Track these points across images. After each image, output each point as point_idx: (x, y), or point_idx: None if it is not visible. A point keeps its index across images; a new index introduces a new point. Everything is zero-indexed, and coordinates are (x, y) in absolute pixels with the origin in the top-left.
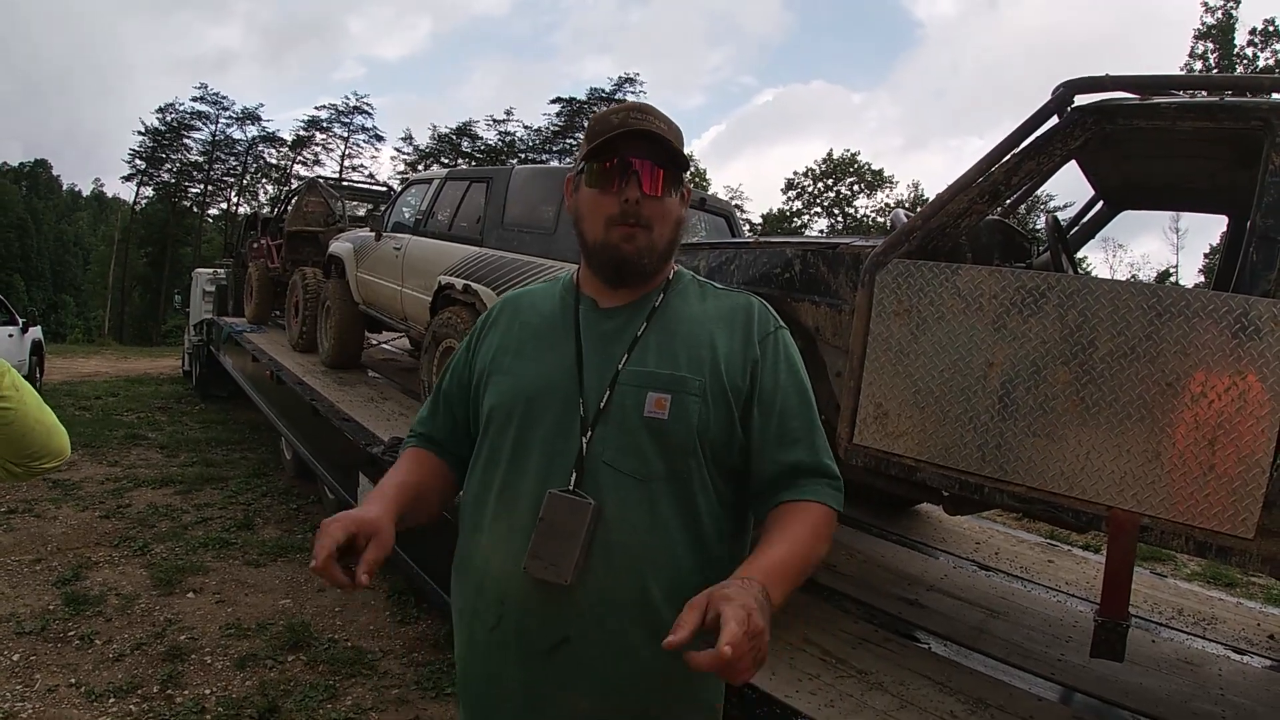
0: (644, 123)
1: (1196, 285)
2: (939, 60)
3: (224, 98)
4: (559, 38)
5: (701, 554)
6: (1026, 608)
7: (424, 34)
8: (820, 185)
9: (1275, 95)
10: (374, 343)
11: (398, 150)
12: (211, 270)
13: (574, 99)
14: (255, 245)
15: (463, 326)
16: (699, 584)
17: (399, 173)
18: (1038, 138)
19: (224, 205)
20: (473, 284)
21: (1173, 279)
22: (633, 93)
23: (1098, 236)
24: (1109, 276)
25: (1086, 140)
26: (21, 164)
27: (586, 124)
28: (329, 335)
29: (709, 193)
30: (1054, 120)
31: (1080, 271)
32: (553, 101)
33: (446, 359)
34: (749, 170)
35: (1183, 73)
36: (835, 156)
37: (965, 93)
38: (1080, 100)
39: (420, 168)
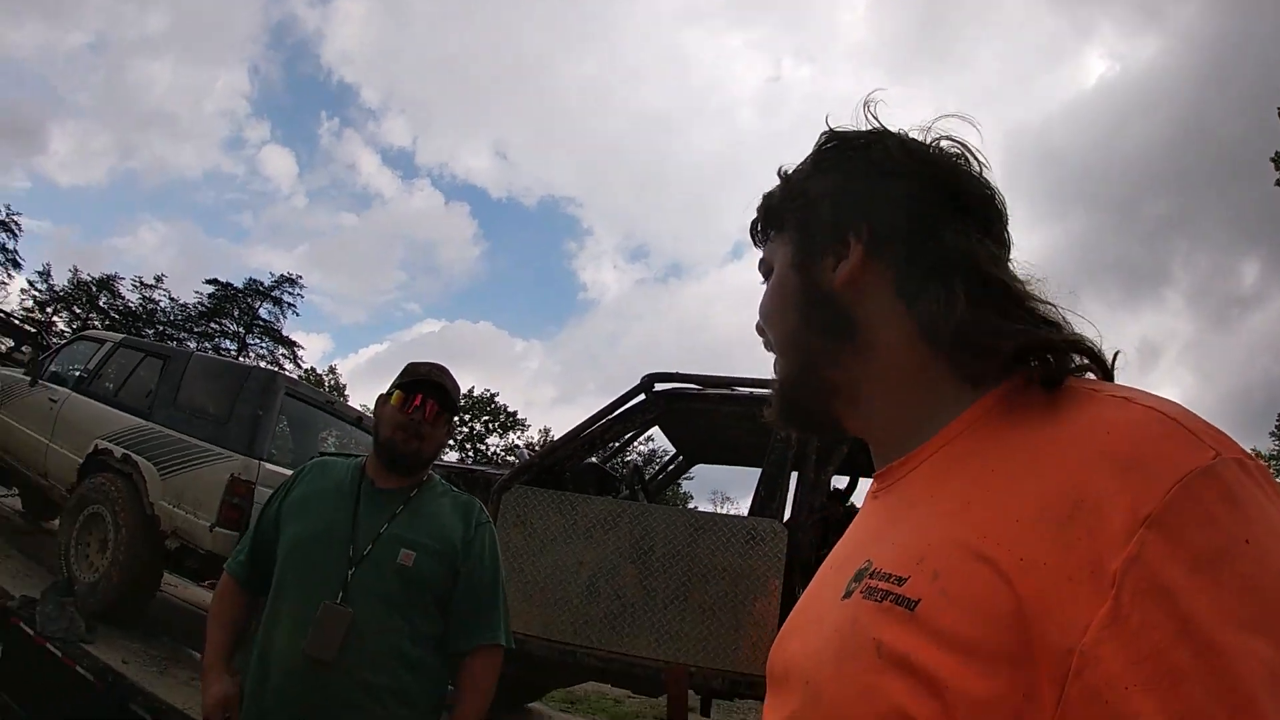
0: (440, 377)
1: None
2: (602, 329)
3: None
4: (244, 219)
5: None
6: None
7: (106, 169)
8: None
9: None
10: None
11: (30, 283)
12: None
13: (230, 284)
14: None
15: (115, 495)
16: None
17: (25, 308)
18: (626, 409)
19: None
20: (133, 455)
21: None
22: (291, 292)
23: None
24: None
25: (659, 415)
26: None
27: (405, 365)
28: None
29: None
30: (641, 397)
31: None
32: (208, 281)
33: (90, 525)
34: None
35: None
36: (475, 394)
37: (619, 363)
38: (660, 386)
39: (49, 310)
